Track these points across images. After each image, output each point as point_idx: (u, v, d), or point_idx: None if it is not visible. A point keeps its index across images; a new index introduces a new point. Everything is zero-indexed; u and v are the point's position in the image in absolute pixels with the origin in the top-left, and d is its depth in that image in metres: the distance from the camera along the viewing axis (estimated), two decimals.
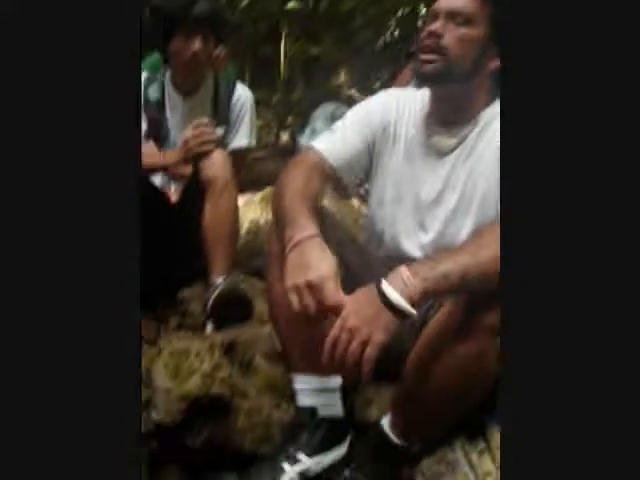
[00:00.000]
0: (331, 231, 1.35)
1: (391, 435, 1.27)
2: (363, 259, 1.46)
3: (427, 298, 1.05)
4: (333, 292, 1.07)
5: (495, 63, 1.33)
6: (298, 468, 1.29)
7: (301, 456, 1.30)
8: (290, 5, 3.26)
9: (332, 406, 1.35)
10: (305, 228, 1.16)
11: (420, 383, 1.19)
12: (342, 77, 3.69)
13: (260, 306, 1.77)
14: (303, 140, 3.23)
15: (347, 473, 1.31)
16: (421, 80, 1.36)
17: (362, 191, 2.55)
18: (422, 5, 3.37)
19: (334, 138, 1.43)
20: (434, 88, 1.37)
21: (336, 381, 1.36)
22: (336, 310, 1.07)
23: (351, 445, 1.36)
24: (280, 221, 1.24)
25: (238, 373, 1.52)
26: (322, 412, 1.33)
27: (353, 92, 3.60)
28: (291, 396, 1.44)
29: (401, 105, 1.46)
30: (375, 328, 1.03)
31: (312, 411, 1.33)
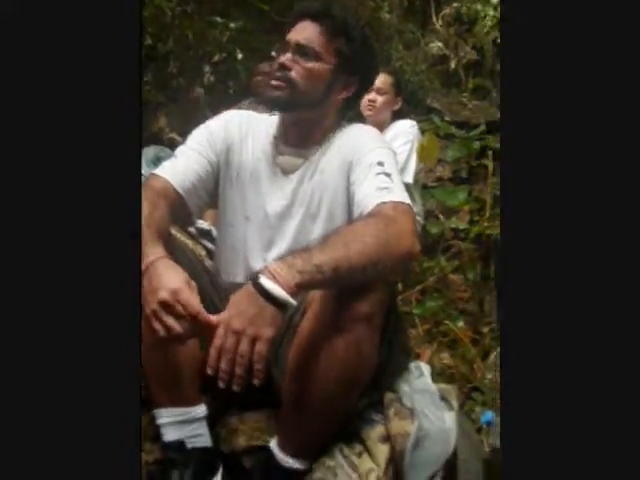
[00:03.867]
0: (182, 257, 1.34)
1: (286, 459, 1.25)
2: (214, 285, 1.46)
3: (302, 290, 1.07)
4: (190, 301, 1.06)
5: (343, 93, 1.43)
6: None
7: None
8: None
9: (200, 436, 1.32)
10: (151, 253, 1.14)
11: (302, 391, 1.20)
12: (161, 121, 3.66)
13: None
14: None
15: None
16: (269, 105, 1.42)
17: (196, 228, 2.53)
18: (238, 51, 3.50)
19: (176, 163, 1.41)
20: (283, 114, 1.43)
21: (201, 410, 1.34)
22: (202, 315, 1.06)
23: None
24: None
25: None
26: (191, 443, 1.30)
27: (174, 135, 3.58)
28: (153, 436, 1.39)
29: (244, 126, 1.49)
30: (261, 325, 1.03)
31: (180, 445, 1.29)
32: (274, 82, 1.36)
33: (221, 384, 1.04)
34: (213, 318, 1.06)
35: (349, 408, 1.26)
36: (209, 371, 1.04)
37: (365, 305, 1.14)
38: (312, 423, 1.23)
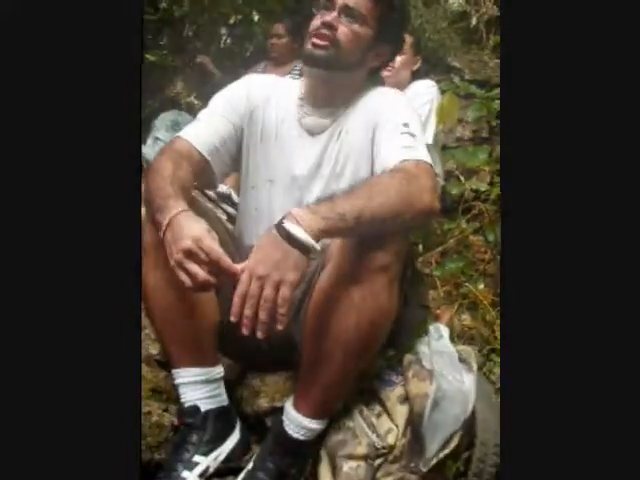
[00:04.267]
0: (204, 218, 1.35)
1: (301, 419, 1.27)
2: (238, 248, 1.46)
3: (325, 236, 1.08)
4: (212, 247, 1.07)
5: (376, 61, 1.44)
6: (197, 471, 1.27)
7: (197, 458, 1.28)
8: None
9: (217, 397, 1.35)
10: (174, 207, 1.15)
11: (320, 345, 1.21)
12: (178, 85, 3.65)
13: None
14: (146, 150, 3.15)
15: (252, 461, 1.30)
16: (309, 62, 1.41)
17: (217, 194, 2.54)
18: (254, 12, 3.45)
19: (200, 126, 1.42)
20: (316, 72, 1.41)
21: (219, 370, 1.36)
22: (224, 261, 1.07)
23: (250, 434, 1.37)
24: (151, 209, 1.21)
25: None
26: (208, 404, 1.32)
27: (191, 99, 3.57)
28: (178, 399, 1.42)
29: (267, 89, 1.50)
30: (285, 269, 1.04)
31: (196, 409, 1.32)
32: (318, 40, 1.36)
33: (245, 330, 1.05)
34: (236, 265, 1.07)
35: (367, 364, 1.27)
36: (232, 318, 1.06)
37: (382, 256, 1.15)
38: (330, 378, 1.23)
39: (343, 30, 1.35)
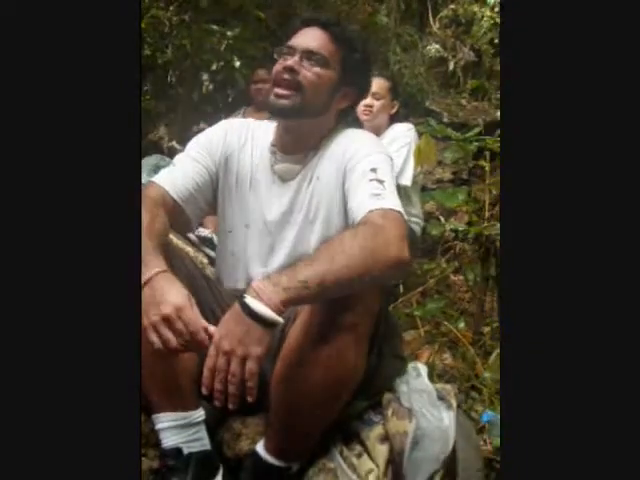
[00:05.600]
0: (180, 265, 1.36)
1: (269, 459, 1.27)
2: (214, 293, 1.47)
3: (289, 306, 1.08)
4: (191, 320, 1.08)
5: (342, 103, 1.45)
6: None
7: None
8: None
9: (199, 440, 1.33)
10: (153, 265, 1.15)
11: (287, 396, 1.22)
12: (161, 130, 3.69)
13: None
14: None
15: None
16: (274, 113, 1.41)
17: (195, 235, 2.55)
18: (236, 59, 3.52)
19: (175, 171, 1.42)
20: (285, 121, 1.43)
21: (200, 414, 1.35)
22: (200, 335, 1.08)
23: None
24: None
25: None
26: (190, 448, 1.31)
27: (173, 144, 3.61)
28: (156, 443, 1.40)
29: (243, 134, 1.50)
30: (250, 344, 1.06)
31: (177, 452, 1.30)
32: (280, 90, 1.36)
33: (217, 403, 1.07)
34: (207, 339, 1.09)
35: (335, 414, 1.27)
36: (204, 391, 1.08)
37: (350, 315, 1.16)
38: (296, 426, 1.25)
39: (305, 74, 1.35)
